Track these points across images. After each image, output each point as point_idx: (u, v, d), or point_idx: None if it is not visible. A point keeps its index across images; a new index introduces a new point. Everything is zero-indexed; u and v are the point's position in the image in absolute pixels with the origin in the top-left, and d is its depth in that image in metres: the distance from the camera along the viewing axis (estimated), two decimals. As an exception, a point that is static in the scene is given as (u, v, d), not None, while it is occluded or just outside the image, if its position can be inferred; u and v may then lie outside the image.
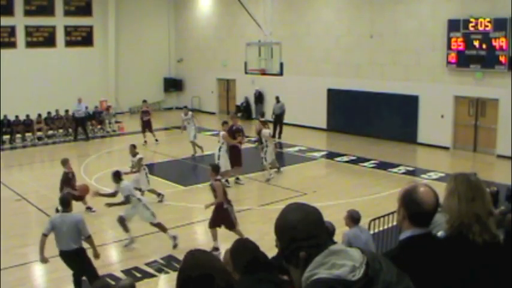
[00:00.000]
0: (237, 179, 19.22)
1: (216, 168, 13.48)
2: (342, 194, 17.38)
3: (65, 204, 10.55)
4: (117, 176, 13.59)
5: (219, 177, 13.38)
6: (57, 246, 10.41)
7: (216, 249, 12.71)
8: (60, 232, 10.23)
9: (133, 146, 17.47)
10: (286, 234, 2.53)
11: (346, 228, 9.58)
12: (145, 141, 26.31)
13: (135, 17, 36.59)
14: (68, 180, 15.90)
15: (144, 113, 26.46)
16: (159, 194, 17.16)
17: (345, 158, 22.77)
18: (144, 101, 27.58)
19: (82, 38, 35.12)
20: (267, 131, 20.41)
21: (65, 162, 16.02)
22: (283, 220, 2.57)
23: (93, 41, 35.55)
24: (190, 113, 23.78)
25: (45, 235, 10.31)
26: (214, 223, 13.00)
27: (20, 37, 32.81)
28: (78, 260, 10.53)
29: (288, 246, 2.52)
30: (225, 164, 18.57)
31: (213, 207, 13.07)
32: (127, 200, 13.25)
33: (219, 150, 18.75)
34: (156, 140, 26.48)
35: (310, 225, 2.52)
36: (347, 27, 27.55)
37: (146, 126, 26.35)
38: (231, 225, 12.99)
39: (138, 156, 17.06)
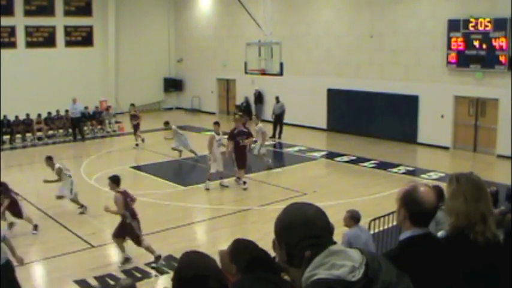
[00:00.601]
0: (238, 178, 19.08)
1: (114, 180, 12.57)
2: (342, 194, 17.38)
3: None
4: None
5: (121, 189, 12.65)
6: None
7: (127, 259, 12.53)
8: None
9: (48, 158, 16.60)
10: (290, 234, 2.52)
11: (345, 229, 9.58)
12: (143, 140, 26.16)
13: (135, 17, 36.61)
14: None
15: (133, 117, 26.25)
16: (81, 206, 16.33)
17: (345, 158, 22.77)
18: (132, 105, 27.19)
19: (82, 38, 35.14)
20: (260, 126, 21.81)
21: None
22: (287, 219, 2.56)
23: (93, 41, 35.56)
24: (173, 127, 23.24)
25: None
26: (117, 234, 12.51)
27: (20, 37, 32.83)
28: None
29: (291, 245, 2.52)
30: (216, 165, 18.49)
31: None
32: None
33: (214, 151, 18.54)
34: (137, 145, 26.08)
35: (314, 225, 2.52)
36: (347, 27, 27.55)
37: (136, 129, 26.25)
38: (137, 240, 12.45)
39: (56, 166, 16.29)
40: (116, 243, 12.65)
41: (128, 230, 12.39)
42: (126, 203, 12.31)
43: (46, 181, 16.26)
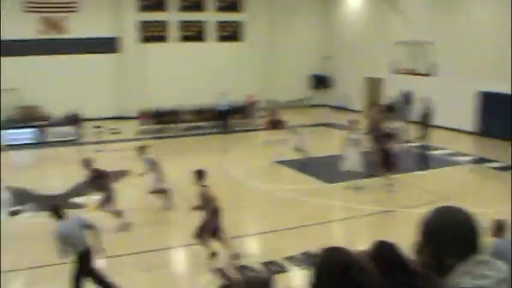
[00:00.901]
0: (384, 179, 18.59)
1: (199, 174, 12.40)
2: (489, 202, 16.57)
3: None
4: None
5: (205, 183, 12.36)
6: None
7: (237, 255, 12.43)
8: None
9: (140, 148, 16.47)
10: (437, 238, 2.43)
11: (491, 239, 9.15)
12: (280, 140, 26.12)
13: (285, 13, 37.21)
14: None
15: (272, 113, 26.53)
16: (162, 191, 16.38)
17: (495, 165, 21.75)
18: (271, 100, 27.52)
19: (232, 33, 36.14)
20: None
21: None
22: (436, 223, 2.47)
23: (243, 36, 36.43)
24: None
25: None
26: (204, 233, 12.34)
27: (173, 31, 34.48)
28: None
29: (437, 250, 2.42)
30: (352, 164, 18.21)
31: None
32: None
33: (348, 150, 18.28)
34: (280, 140, 25.79)
35: (463, 231, 2.41)
36: (501, 27, 26.22)
37: (274, 124, 26.31)
38: (200, 233, 12.28)
39: (148, 156, 16.26)
40: (213, 243, 12.55)
41: (205, 224, 12.34)
42: (210, 198, 12.27)
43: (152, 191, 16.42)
